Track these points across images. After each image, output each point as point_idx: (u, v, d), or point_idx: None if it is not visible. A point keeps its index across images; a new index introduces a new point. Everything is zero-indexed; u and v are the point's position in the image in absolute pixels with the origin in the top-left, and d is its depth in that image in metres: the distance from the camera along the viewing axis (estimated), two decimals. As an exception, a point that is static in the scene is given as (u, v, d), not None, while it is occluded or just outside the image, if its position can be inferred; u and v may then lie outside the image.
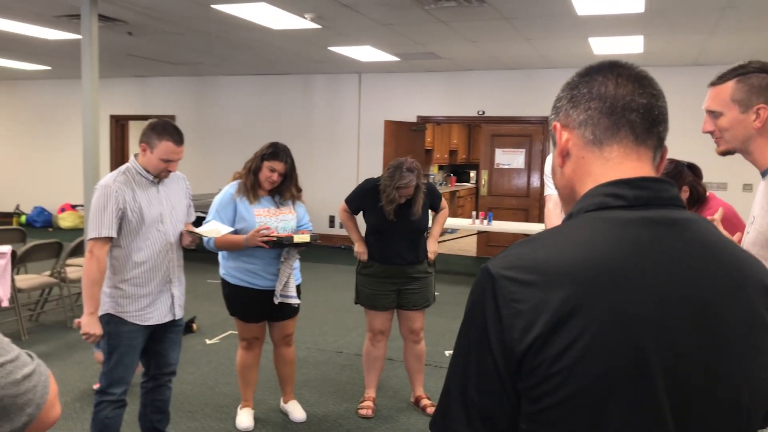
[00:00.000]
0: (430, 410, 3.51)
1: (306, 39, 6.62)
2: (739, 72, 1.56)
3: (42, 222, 10.71)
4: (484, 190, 8.85)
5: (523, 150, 8.56)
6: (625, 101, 0.84)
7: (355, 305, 3.59)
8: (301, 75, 9.52)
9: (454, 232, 10.08)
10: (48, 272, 5.19)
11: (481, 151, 9.00)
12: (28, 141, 11.29)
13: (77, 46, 5.63)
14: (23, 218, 10.89)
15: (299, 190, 3.24)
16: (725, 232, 1.50)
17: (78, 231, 9.02)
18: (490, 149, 8.73)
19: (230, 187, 3.16)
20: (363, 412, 3.49)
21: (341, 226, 3.61)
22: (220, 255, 3.21)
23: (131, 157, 2.68)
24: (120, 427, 2.69)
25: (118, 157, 10.58)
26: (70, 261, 5.24)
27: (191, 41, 6.92)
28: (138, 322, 2.63)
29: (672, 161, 2.43)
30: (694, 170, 2.49)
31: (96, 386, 3.64)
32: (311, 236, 3.11)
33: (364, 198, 3.42)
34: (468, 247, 9.46)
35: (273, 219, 3.13)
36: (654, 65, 7.36)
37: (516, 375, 0.76)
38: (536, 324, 0.74)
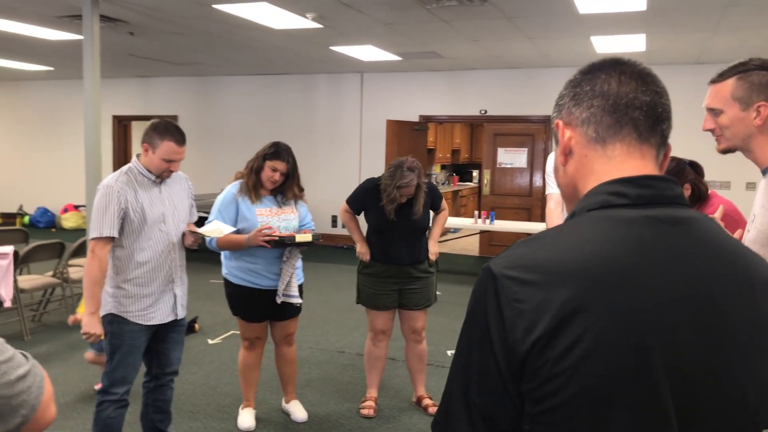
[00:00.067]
0: (432, 410, 3.51)
1: (307, 39, 6.61)
2: (739, 69, 1.55)
3: (45, 222, 10.73)
4: (486, 190, 8.84)
5: (526, 149, 8.55)
6: (628, 99, 0.83)
7: (357, 305, 3.59)
8: (303, 75, 9.52)
9: (456, 232, 10.07)
10: (50, 272, 5.20)
11: (483, 150, 8.99)
12: (30, 142, 11.32)
13: (79, 47, 5.64)
14: (26, 219, 10.92)
15: (301, 190, 3.24)
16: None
17: (81, 231, 9.04)
18: (493, 148, 8.72)
19: (232, 187, 3.16)
20: (365, 411, 3.49)
21: (343, 226, 3.61)
22: (223, 255, 3.21)
23: (133, 158, 2.69)
24: (122, 427, 2.70)
25: (121, 157, 10.60)
26: (72, 261, 5.25)
27: (193, 41, 6.93)
28: (140, 322, 2.63)
29: (673, 159, 2.42)
30: (695, 168, 2.48)
31: (97, 386, 3.66)
32: (313, 236, 3.10)
33: (365, 198, 3.41)
34: (470, 246, 9.45)
35: (275, 218, 3.13)
36: (656, 63, 7.34)
37: (518, 376, 0.75)
38: (539, 324, 0.73)
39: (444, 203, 3.60)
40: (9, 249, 4.51)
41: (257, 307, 3.18)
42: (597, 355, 0.72)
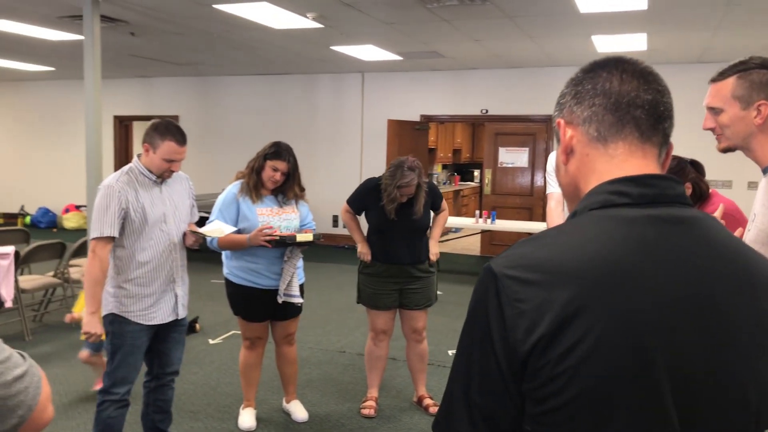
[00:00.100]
0: (433, 410, 3.50)
1: (308, 38, 6.61)
2: (739, 68, 1.55)
3: (46, 223, 10.75)
4: (487, 189, 8.83)
5: (527, 149, 8.54)
6: (629, 97, 0.83)
7: (357, 305, 3.58)
8: (304, 75, 9.52)
9: (457, 231, 10.07)
10: (51, 273, 5.21)
11: (484, 149, 8.99)
12: (32, 142, 11.33)
13: (80, 47, 5.64)
14: (28, 219, 10.94)
15: (302, 189, 3.24)
16: None
17: (82, 231, 9.04)
18: (494, 148, 8.71)
19: (233, 187, 3.16)
20: (365, 411, 3.48)
21: (344, 226, 3.60)
22: (224, 254, 3.21)
23: (134, 158, 2.69)
24: (123, 426, 2.69)
25: (122, 157, 10.61)
26: (73, 261, 5.25)
27: (193, 41, 6.93)
28: (142, 322, 2.63)
29: (674, 158, 2.41)
30: (696, 167, 2.48)
31: (97, 386, 3.65)
32: (314, 235, 3.10)
33: (365, 197, 3.41)
34: (471, 246, 9.45)
35: (276, 218, 3.13)
36: (657, 63, 7.33)
37: (519, 376, 0.75)
38: (540, 324, 0.73)
39: (444, 203, 3.60)
40: (10, 249, 4.52)
41: (258, 306, 3.18)
42: (598, 356, 0.71)
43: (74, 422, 3.38)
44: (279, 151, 3.10)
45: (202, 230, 2.83)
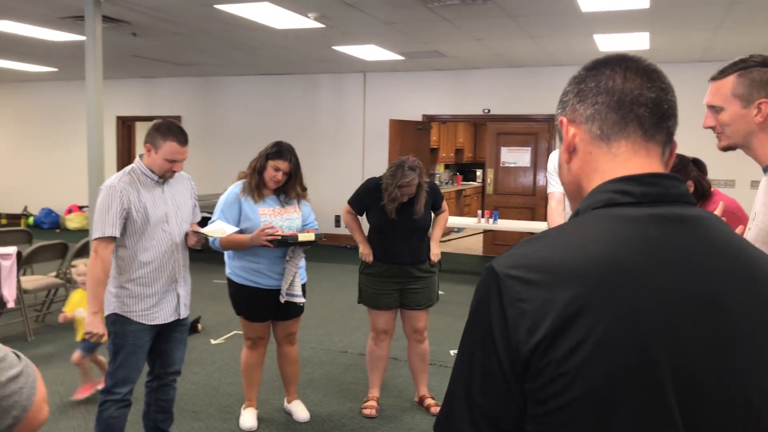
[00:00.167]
0: (434, 410, 3.50)
1: (310, 38, 6.61)
2: (739, 66, 1.54)
3: (49, 223, 10.77)
4: (489, 189, 8.82)
5: (529, 148, 8.53)
6: (633, 95, 0.82)
7: (359, 305, 3.58)
8: (305, 75, 9.52)
9: (460, 231, 10.06)
10: (54, 273, 5.21)
11: (486, 149, 8.98)
12: (35, 143, 11.35)
13: (82, 48, 5.65)
14: (31, 219, 10.96)
15: (304, 189, 3.24)
16: None
17: (85, 232, 9.06)
18: (496, 148, 8.70)
19: (235, 187, 3.16)
20: (367, 411, 3.48)
21: (346, 227, 3.60)
22: (226, 254, 3.21)
23: (136, 158, 2.70)
24: (124, 426, 2.70)
25: (125, 158, 10.62)
26: (75, 262, 5.26)
27: (195, 42, 6.93)
28: (144, 322, 2.64)
29: (677, 156, 2.40)
30: (698, 165, 2.48)
31: (99, 386, 3.65)
32: (316, 235, 3.10)
33: (366, 197, 3.41)
34: (474, 246, 9.44)
35: (278, 218, 3.13)
36: (660, 62, 7.27)
37: (521, 376, 0.74)
38: (542, 324, 0.72)
39: (444, 204, 3.59)
40: (12, 250, 4.53)
41: (260, 306, 3.18)
42: (601, 356, 0.71)
43: (75, 422, 3.39)
44: (281, 150, 3.10)
45: (204, 230, 2.83)
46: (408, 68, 8.72)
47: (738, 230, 1.67)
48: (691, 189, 2.41)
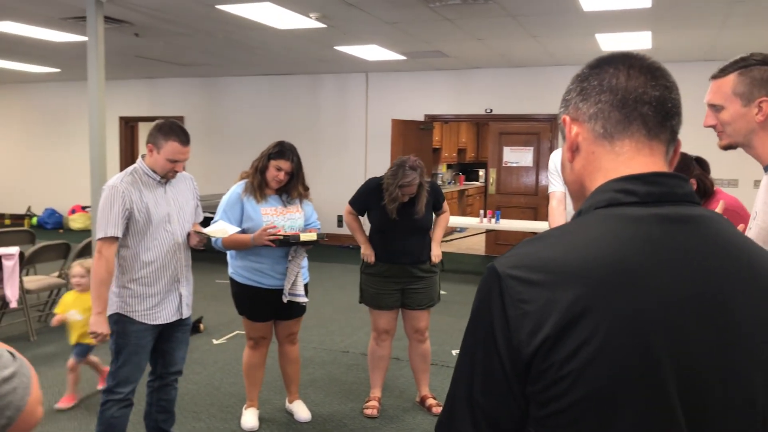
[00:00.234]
0: (436, 410, 3.49)
1: (312, 38, 6.61)
2: (740, 65, 1.53)
3: (53, 223, 10.79)
4: (492, 189, 8.81)
5: (531, 148, 8.52)
6: (636, 94, 0.81)
7: (361, 305, 3.57)
8: (308, 75, 9.52)
9: (462, 231, 10.05)
10: (56, 273, 5.22)
11: (489, 149, 8.96)
12: (38, 143, 11.38)
13: (85, 48, 5.66)
14: (34, 220, 10.99)
15: (306, 189, 3.24)
16: None
17: (88, 232, 9.07)
18: (498, 147, 8.69)
19: (237, 187, 3.16)
20: (368, 411, 3.47)
21: (348, 227, 3.60)
22: (229, 254, 3.21)
23: (139, 158, 2.71)
24: (126, 426, 2.70)
25: (128, 158, 10.64)
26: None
27: (197, 42, 6.94)
28: (146, 321, 2.64)
29: (680, 154, 2.39)
30: (701, 164, 2.47)
31: (99, 386, 3.66)
32: (318, 235, 3.10)
33: (367, 197, 3.40)
34: (476, 245, 9.42)
35: (280, 218, 3.13)
36: (663, 61, 7.14)
37: (523, 377, 0.74)
38: (544, 325, 0.72)
39: (446, 204, 3.58)
40: (15, 250, 4.53)
41: (263, 306, 3.18)
42: (604, 357, 0.70)
43: (76, 422, 3.39)
44: (283, 150, 3.10)
45: (206, 230, 2.83)
46: (410, 68, 8.72)
47: (738, 229, 1.66)
48: (694, 187, 2.39)
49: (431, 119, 9.07)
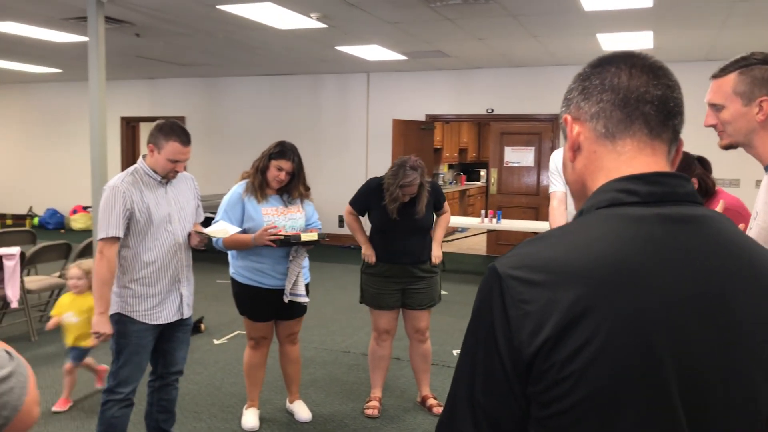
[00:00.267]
0: (437, 410, 3.49)
1: (313, 38, 6.61)
2: (741, 64, 1.52)
3: (54, 224, 10.80)
4: (493, 189, 8.80)
5: (533, 148, 8.51)
6: (638, 93, 0.81)
7: (362, 305, 3.57)
8: (309, 75, 9.52)
9: (463, 231, 10.05)
10: (57, 273, 5.22)
11: (490, 149, 8.96)
12: (40, 143, 11.39)
13: (86, 48, 5.66)
14: (36, 220, 11.00)
15: (307, 189, 3.24)
16: None
17: (90, 232, 9.07)
18: (500, 147, 8.69)
19: (238, 187, 3.16)
20: (369, 412, 3.47)
21: (348, 228, 3.60)
22: (230, 254, 3.21)
23: (139, 158, 2.71)
24: (127, 426, 2.70)
25: (129, 158, 10.65)
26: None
27: (198, 42, 6.94)
28: (147, 321, 2.64)
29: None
30: (703, 163, 2.46)
31: (98, 384, 3.65)
32: (319, 235, 3.10)
33: (368, 197, 3.40)
34: (477, 245, 9.42)
35: (281, 218, 3.13)
36: (664, 61, 7.20)
37: (524, 378, 0.74)
38: (545, 326, 0.71)
39: (446, 205, 3.57)
40: (15, 250, 4.54)
41: (264, 306, 3.18)
42: (606, 358, 0.70)
43: (77, 422, 3.39)
44: (283, 150, 3.09)
45: (206, 231, 2.83)
46: (411, 68, 8.71)
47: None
48: (695, 187, 2.39)
49: (432, 119, 9.07)
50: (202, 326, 5.00)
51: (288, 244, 3.05)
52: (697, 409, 0.73)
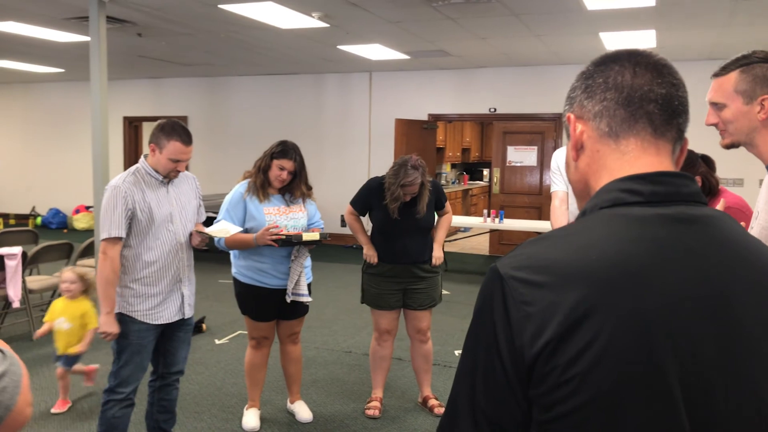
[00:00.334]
0: (438, 411, 3.47)
1: (314, 38, 6.61)
2: (742, 62, 1.51)
3: (57, 223, 10.83)
4: (496, 188, 8.79)
5: (535, 147, 8.49)
6: (642, 91, 0.80)
7: (364, 305, 3.56)
8: (311, 74, 9.52)
9: (466, 231, 10.03)
10: (59, 273, 5.22)
11: (493, 148, 8.94)
12: (42, 143, 11.41)
13: (88, 48, 5.66)
14: (39, 220, 11.02)
15: (309, 188, 3.23)
16: None
17: (92, 232, 9.09)
18: (502, 147, 8.67)
19: (240, 186, 3.16)
20: (370, 412, 3.46)
21: (349, 228, 3.59)
22: (232, 254, 3.21)
23: (141, 158, 2.71)
24: (127, 426, 2.69)
25: (132, 158, 10.66)
26: (80, 262, 5.27)
27: (200, 42, 6.94)
28: (148, 321, 2.64)
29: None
30: (707, 162, 2.45)
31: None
32: (321, 234, 3.09)
33: (369, 197, 3.39)
34: (480, 245, 9.40)
35: (283, 217, 3.12)
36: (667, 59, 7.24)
37: (526, 381, 0.73)
38: (547, 328, 0.70)
39: (448, 205, 3.56)
40: (17, 250, 4.54)
41: (266, 306, 3.17)
42: (609, 360, 0.69)
43: (78, 422, 3.39)
44: (285, 149, 3.09)
45: (208, 230, 2.83)
46: (413, 67, 8.70)
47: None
48: (699, 185, 2.37)
49: (435, 118, 9.06)
50: (204, 326, 5.00)
51: (290, 243, 3.04)
52: (700, 411, 0.72)
